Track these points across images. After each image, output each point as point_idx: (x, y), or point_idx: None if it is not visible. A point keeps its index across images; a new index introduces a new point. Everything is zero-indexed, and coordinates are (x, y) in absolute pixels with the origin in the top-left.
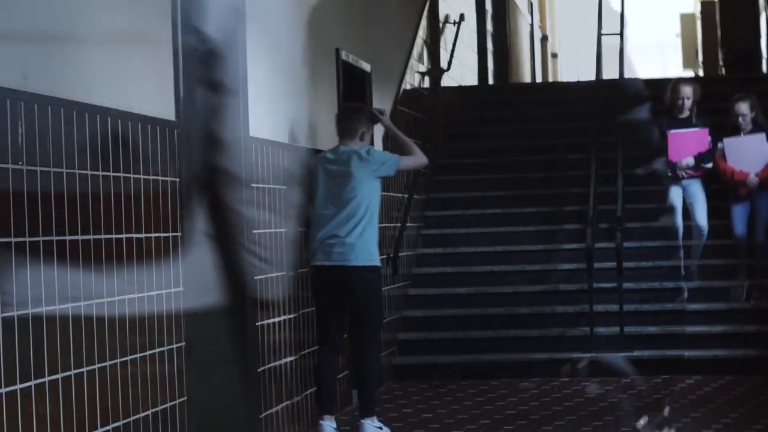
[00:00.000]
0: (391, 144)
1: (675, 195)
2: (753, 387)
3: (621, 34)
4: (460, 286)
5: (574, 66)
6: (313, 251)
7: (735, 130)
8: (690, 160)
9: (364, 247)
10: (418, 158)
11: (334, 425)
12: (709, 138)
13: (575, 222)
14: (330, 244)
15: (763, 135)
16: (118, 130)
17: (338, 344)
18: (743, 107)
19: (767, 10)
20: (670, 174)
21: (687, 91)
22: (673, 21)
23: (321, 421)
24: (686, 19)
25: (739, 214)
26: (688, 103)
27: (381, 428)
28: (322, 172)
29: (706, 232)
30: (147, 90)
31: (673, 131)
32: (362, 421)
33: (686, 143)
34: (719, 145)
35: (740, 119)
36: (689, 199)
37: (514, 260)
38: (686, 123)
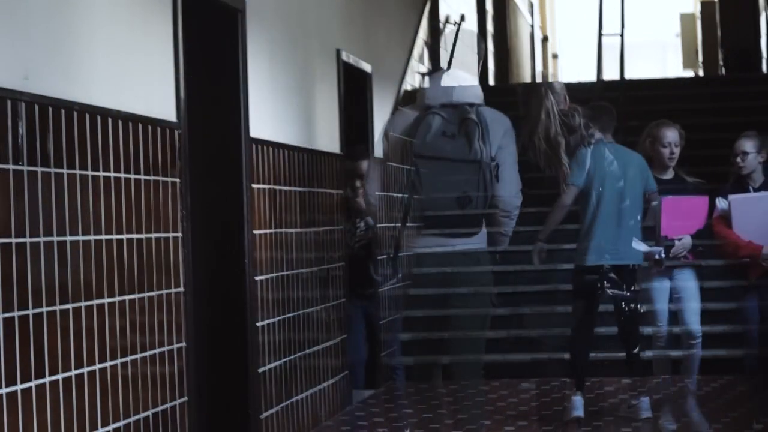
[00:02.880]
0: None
1: (660, 293)
2: (753, 387)
3: (621, 35)
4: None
5: (574, 66)
6: (585, 249)
7: (740, 185)
8: (687, 241)
9: (630, 249)
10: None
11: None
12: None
13: (575, 222)
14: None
15: None
16: (119, 130)
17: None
18: (745, 144)
19: (767, 10)
20: (661, 257)
21: (673, 136)
22: (673, 21)
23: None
24: (686, 19)
25: (754, 310)
26: (676, 153)
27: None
28: (599, 167)
29: (700, 339)
30: (147, 90)
31: (668, 197)
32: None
33: (680, 214)
34: (719, 204)
35: (738, 159)
36: (678, 293)
37: (514, 260)
38: (674, 185)
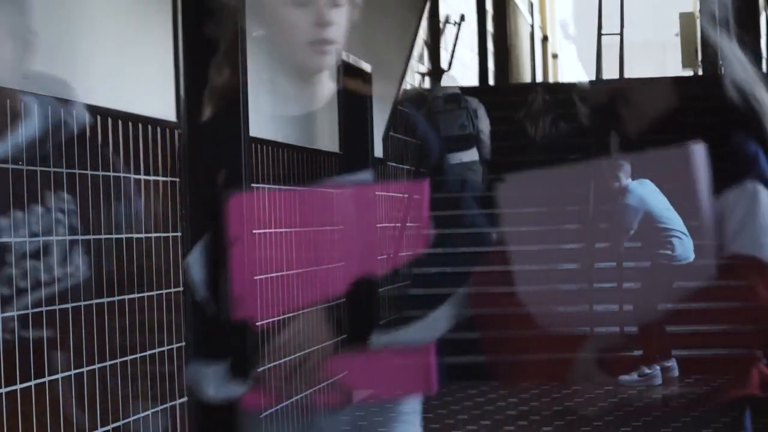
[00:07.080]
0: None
1: None
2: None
3: (621, 35)
4: (460, 286)
5: (574, 66)
6: None
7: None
8: None
9: None
10: None
11: None
12: None
13: (575, 222)
14: None
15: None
16: (119, 130)
17: None
18: None
19: (767, 10)
20: None
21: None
22: (673, 20)
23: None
24: (685, 19)
25: None
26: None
27: None
28: None
29: None
30: (147, 90)
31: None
32: None
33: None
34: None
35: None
36: None
37: (514, 260)
38: None
